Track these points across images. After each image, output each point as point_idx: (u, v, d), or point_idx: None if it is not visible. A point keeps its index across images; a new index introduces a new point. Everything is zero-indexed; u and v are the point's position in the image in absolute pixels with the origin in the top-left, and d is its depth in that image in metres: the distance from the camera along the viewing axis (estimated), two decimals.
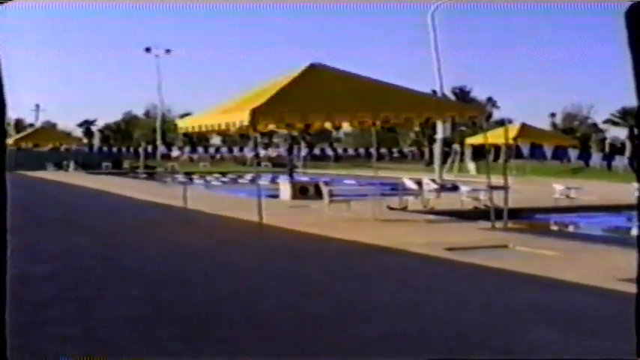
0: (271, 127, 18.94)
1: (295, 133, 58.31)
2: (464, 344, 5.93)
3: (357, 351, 5.70)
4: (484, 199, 17.56)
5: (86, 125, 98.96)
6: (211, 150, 75.62)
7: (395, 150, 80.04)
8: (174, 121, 33.99)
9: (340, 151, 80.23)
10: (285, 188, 23.73)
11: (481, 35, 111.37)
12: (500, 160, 25.86)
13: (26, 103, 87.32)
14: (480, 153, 41.27)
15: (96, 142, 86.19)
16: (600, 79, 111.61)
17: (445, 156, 36.98)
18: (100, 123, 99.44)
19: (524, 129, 34.29)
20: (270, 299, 7.77)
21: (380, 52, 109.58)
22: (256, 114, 14.13)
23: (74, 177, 41.48)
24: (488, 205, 15.48)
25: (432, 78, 29.88)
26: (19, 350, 4.83)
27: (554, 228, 18.07)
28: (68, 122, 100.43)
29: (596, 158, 38.09)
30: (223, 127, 16.56)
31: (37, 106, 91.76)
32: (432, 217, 16.59)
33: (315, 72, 15.70)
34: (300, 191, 22.94)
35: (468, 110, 20.94)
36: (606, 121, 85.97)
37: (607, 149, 69.66)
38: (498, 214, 14.35)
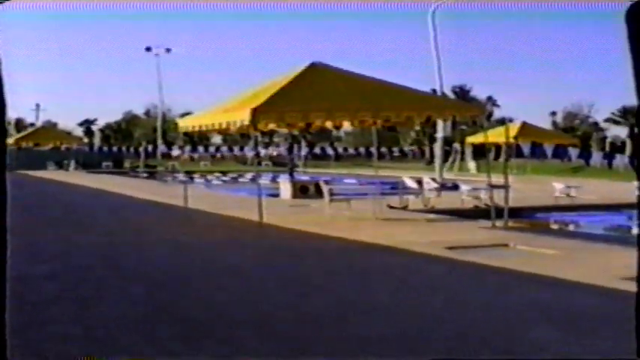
0: (272, 126, 18.96)
1: (296, 132, 58.36)
2: (464, 343, 5.92)
3: (357, 351, 5.70)
4: (485, 198, 17.56)
5: (87, 125, 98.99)
6: (212, 149, 75.66)
7: (395, 149, 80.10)
8: (174, 121, 34.00)
9: (341, 150, 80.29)
10: (285, 187, 23.73)
11: (481, 34, 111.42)
12: (501, 159, 25.86)
13: (26, 103, 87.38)
14: (480, 152, 41.27)
15: (96, 141, 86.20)
16: (601, 78, 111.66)
17: (446, 155, 36.96)
18: (101, 122, 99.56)
19: (525, 128, 34.21)
20: (271, 299, 7.77)
21: (380, 51, 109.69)
22: (257, 113, 14.14)
23: (75, 176, 41.48)
24: (488, 204, 15.47)
25: (432, 77, 29.82)
26: (19, 350, 4.83)
27: (555, 227, 18.06)
28: (69, 122, 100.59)
29: (596, 157, 38.08)
30: (224, 126, 16.59)
31: (38, 105, 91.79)
32: (432, 216, 16.58)
33: (315, 71, 15.70)
34: (301, 190, 22.93)
35: (468, 109, 20.97)
36: (607, 120, 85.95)
37: (607, 148, 69.68)
38: (499, 213, 14.35)
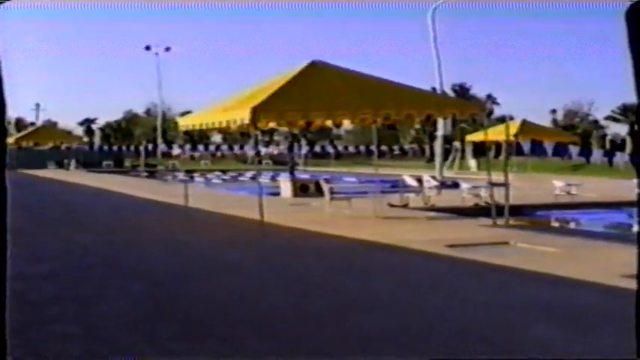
0: (272, 124, 18.97)
1: (296, 131, 58.41)
2: (465, 342, 5.92)
3: (358, 350, 5.69)
4: (485, 196, 17.55)
5: (87, 124, 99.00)
6: (212, 148, 75.75)
7: (396, 147, 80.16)
8: (174, 120, 33.99)
9: (341, 148, 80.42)
10: (285, 186, 23.72)
11: (481, 32, 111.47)
12: (501, 157, 25.84)
13: (27, 102, 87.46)
14: (480, 150, 41.27)
15: (97, 140, 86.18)
16: (601, 76, 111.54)
17: (446, 153, 36.96)
18: (101, 121, 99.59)
19: (525, 126, 34.21)
20: (271, 297, 7.77)
21: (380, 49, 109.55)
22: (257, 112, 14.14)
23: (75, 176, 41.48)
24: (489, 202, 15.47)
25: (431, 75, 29.81)
26: (19, 350, 4.83)
27: (556, 225, 18.06)
28: (69, 121, 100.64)
29: (596, 155, 38.18)
30: (224, 124, 16.61)
31: (38, 105, 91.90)
32: (432, 214, 16.58)
33: (315, 69, 15.70)
34: (301, 189, 22.93)
35: (468, 107, 20.97)
36: (607, 118, 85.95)
37: (608, 146, 69.67)
38: (499, 210, 14.34)
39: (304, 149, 66.68)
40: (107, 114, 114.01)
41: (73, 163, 53.85)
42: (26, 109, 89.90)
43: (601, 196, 21.75)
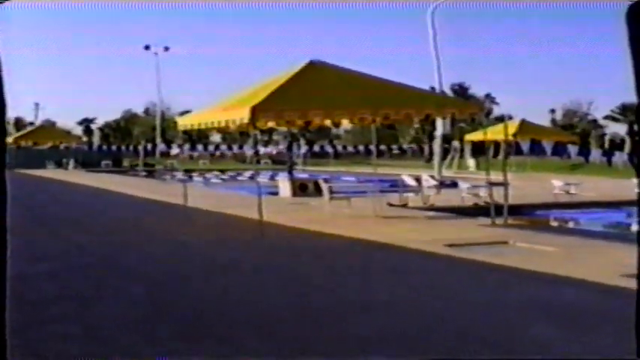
0: (271, 124, 18.95)
1: (295, 131, 58.43)
2: (464, 342, 5.92)
3: (357, 350, 5.69)
4: (484, 195, 17.56)
5: (86, 123, 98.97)
6: (211, 147, 75.67)
7: (395, 147, 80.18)
8: (173, 119, 34.00)
9: (340, 148, 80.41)
10: (284, 185, 23.72)
11: (480, 32, 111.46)
12: (500, 157, 25.84)
13: (26, 102, 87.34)
14: (479, 149, 41.28)
15: (96, 140, 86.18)
16: (600, 76, 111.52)
17: (445, 153, 36.96)
18: (100, 121, 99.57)
19: (524, 125, 34.15)
20: (271, 297, 7.76)
21: (379, 49, 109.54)
22: (256, 111, 14.12)
23: (74, 175, 41.47)
24: (488, 201, 15.48)
25: (430, 75, 29.81)
26: (19, 350, 4.83)
27: (555, 224, 18.06)
28: (68, 120, 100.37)
29: (595, 154, 38.07)
30: (223, 124, 16.57)
31: (37, 104, 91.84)
32: (431, 213, 16.58)
33: (314, 69, 15.68)
34: (300, 188, 22.93)
35: (467, 107, 20.97)
36: (606, 117, 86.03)
37: (607, 145, 69.76)
38: (498, 210, 14.35)
39: (303, 149, 66.64)
40: (106, 114, 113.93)
41: (71, 162, 53.83)
42: (25, 109, 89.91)
43: (600, 196, 21.77)
